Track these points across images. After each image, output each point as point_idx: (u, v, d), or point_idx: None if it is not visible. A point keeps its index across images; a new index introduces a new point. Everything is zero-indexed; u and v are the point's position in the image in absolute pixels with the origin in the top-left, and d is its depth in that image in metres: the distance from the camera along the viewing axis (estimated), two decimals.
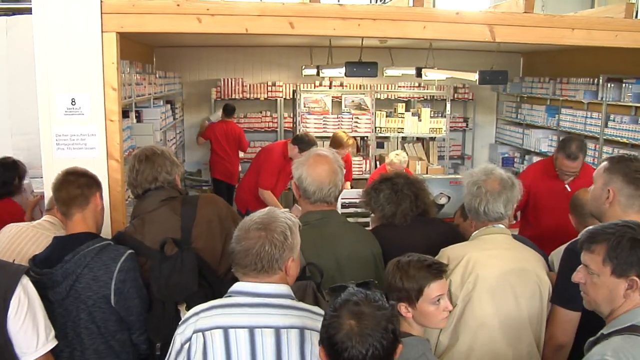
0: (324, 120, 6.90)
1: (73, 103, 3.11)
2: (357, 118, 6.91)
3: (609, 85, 6.12)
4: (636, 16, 5.09)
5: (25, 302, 1.95)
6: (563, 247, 2.32)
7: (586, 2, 8.41)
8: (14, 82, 4.88)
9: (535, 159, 7.23)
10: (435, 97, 8.24)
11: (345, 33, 3.41)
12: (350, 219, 2.77)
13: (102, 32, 3.08)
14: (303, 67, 7.39)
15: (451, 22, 3.52)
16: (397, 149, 7.05)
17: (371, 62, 4.88)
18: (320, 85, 7.97)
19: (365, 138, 7.22)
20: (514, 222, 3.84)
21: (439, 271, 2.02)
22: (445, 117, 7.03)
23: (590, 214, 2.39)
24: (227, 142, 7.27)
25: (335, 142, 5.51)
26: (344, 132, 6.00)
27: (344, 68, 4.96)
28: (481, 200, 2.33)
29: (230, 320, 1.73)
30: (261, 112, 8.20)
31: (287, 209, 1.99)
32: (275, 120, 8.22)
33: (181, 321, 1.81)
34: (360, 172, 6.97)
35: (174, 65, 7.59)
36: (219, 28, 3.24)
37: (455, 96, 8.40)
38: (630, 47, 3.73)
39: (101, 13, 3.07)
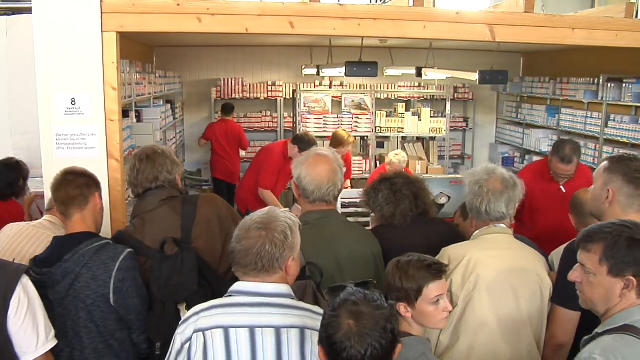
0: (324, 120, 6.89)
1: (73, 103, 3.11)
2: (357, 118, 6.91)
3: (609, 85, 6.11)
4: (636, 16, 5.09)
5: (25, 301, 1.95)
6: (563, 247, 2.31)
7: (586, 2, 8.41)
8: (14, 82, 4.88)
9: (536, 158, 7.22)
10: (436, 97, 8.24)
11: (345, 33, 3.41)
12: (350, 219, 2.76)
13: (102, 31, 3.09)
14: (303, 66, 7.38)
15: (451, 22, 3.52)
16: (397, 148, 7.05)
17: (371, 62, 4.88)
18: (320, 85, 7.97)
19: (366, 138, 7.21)
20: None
21: (439, 271, 2.01)
22: (445, 116, 7.04)
23: (590, 214, 2.39)
24: (227, 141, 7.27)
25: (336, 141, 5.51)
26: (345, 130, 6.01)
27: (344, 68, 4.95)
28: (483, 199, 2.33)
29: (231, 319, 1.73)
30: (261, 112, 8.21)
31: (287, 209, 1.99)
32: (275, 120, 8.22)
33: (181, 321, 1.81)
34: (360, 172, 6.96)
35: (174, 65, 7.58)
36: (219, 28, 3.24)
37: (456, 96, 8.40)
38: (630, 47, 3.73)
39: (101, 13, 3.07)
